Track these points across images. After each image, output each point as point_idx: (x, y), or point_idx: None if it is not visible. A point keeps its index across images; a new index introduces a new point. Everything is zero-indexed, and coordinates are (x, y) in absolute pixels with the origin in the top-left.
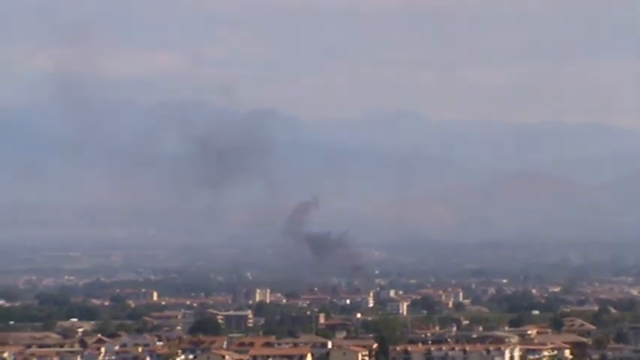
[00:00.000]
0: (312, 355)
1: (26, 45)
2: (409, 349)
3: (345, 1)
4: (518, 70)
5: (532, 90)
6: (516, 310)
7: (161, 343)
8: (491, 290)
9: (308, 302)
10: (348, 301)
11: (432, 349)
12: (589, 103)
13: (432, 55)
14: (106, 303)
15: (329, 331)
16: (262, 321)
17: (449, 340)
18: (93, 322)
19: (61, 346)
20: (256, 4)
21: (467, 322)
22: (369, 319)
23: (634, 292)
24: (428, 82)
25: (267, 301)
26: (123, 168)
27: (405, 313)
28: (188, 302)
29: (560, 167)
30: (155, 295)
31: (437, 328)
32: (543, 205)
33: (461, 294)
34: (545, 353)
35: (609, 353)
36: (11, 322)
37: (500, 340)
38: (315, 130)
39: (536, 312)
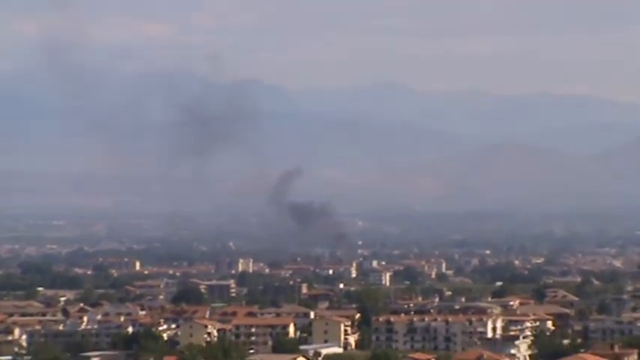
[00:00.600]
0: (295, 325)
1: (12, 12)
2: (392, 319)
3: None
4: (506, 41)
5: (520, 61)
6: (499, 281)
7: (144, 312)
8: (475, 261)
9: (291, 272)
10: (330, 272)
11: (415, 319)
12: (577, 75)
13: (420, 25)
14: (89, 272)
15: (311, 302)
16: (245, 291)
17: (431, 310)
18: (75, 291)
19: (44, 314)
20: None
21: (449, 292)
22: (352, 289)
23: (617, 263)
24: (415, 53)
25: (250, 270)
26: (110, 136)
27: (387, 283)
28: (171, 272)
29: (548, 138)
30: (138, 264)
31: (419, 298)
32: (530, 175)
33: (444, 265)
34: (528, 324)
35: (591, 324)
36: None
37: (482, 311)
38: (301, 100)
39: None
